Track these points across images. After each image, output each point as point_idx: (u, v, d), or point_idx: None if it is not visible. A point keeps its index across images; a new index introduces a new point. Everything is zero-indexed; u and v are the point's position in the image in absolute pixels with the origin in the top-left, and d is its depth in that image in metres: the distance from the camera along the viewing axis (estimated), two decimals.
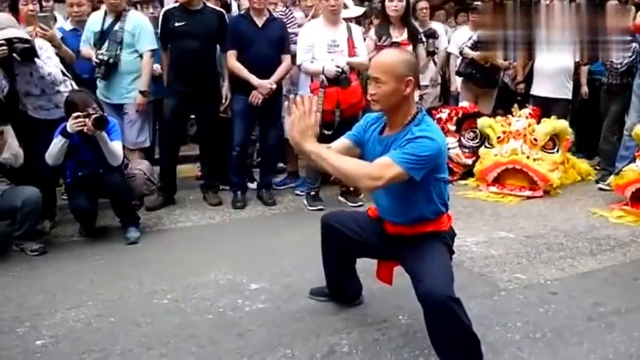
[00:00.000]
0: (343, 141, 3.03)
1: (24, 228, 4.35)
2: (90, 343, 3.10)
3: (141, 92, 5.37)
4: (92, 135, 4.36)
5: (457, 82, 7.23)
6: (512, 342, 3.05)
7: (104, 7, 5.41)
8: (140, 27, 5.35)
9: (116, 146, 4.53)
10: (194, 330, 3.22)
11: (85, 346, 3.07)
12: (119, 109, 5.45)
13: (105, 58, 5.23)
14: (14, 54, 4.41)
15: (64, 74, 4.81)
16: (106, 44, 5.28)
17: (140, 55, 5.39)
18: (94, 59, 5.28)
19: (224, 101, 5.59)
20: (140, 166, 4.97)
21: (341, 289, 3.47)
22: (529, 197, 5.78)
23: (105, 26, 5.31)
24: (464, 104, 6.83)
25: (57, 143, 4.37)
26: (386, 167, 2.59)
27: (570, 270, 4.02)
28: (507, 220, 5.12)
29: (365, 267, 3.42)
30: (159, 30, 5.57)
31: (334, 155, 2.64)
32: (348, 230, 3.13)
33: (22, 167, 4.51)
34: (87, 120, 4.29)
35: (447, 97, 7.61)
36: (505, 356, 2.92)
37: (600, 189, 5.96)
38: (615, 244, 4.51)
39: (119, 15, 5.30)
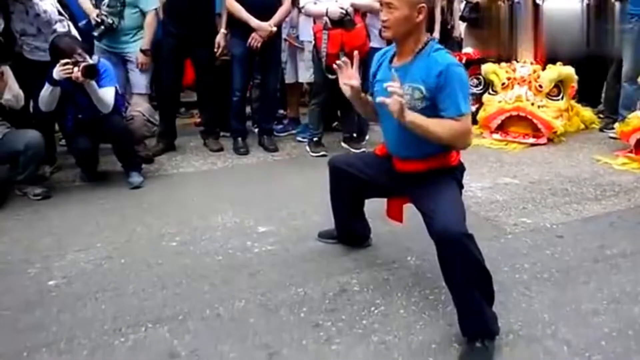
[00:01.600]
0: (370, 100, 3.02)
1: (27, 172, 4.33)
2: (103, 283, 3.12)
3: (142, 51, 5.25)
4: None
5: (460, 28, 7.13)
6: (520, 282, 3.09)
7: None
8: None
9: (107, 93, 4.42)
10: (205, 271, 3.24)
11: (99, 286, 3.09)
12: (122, 57, 5.35)
13: (110, 21, 5.06)
14: None
15: (60, 14, 4.71)
16: (107, 0, 5.09)
17: (142, 12, 5.25)
18: (93, 17, 5.09)
19: (215, 49, 5.45)
20: (139, 108, 4.93)
21: (350, 231, 3.48)
22: (532, 145, 5.75)
23: None
24: (467, 50, 6.74)
25: (46, 90, 4.29)
26: (461, 122, 2.61)
27: (576, 214, 4.02)
28: (511, 167, 5.11)
29: (375, 209, 3.41)
30: None
31: (432, 125, 2.60)
32: (356, 171, 3.11)
33: (21, 110, 4.46)
34: (75, 68, 4.18)
35: (449, 43, 7.50)
36: (514, 295, 2.95)
37: (611, 138, 5.84)
38: (619, 189, 4.50)
39: None
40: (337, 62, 2.89)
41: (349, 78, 2.86)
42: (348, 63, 2.87)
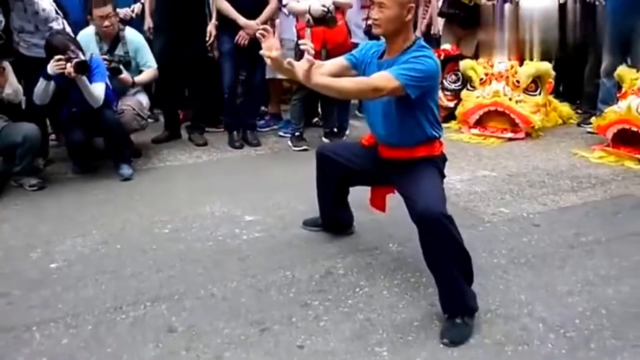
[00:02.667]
0: (339, 61, 3.08)
1: (23, 164, 4.47)
2: (102, 266, 3.28)
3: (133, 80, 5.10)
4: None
5: (438, 25, 7.06)
6: (498, 266, 3.21)
7: (92, 28, 5.11)
8: (140, 47, 5.16)
9: (97, 89, 4.54)
10: (197, 256, 3.39)
11: (98, 268, 3.25)
12: None
13: (117, 60, 4.96)
14: None
15: (56, 12, 4.81)
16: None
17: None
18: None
19: (207, 38, 5.56)
20: (129, 102, 5.03)
21: (334, 219, 3.60)
22: (510, 139, 5.82)
23: (104, 50, 5.04)
24: (446, 46, 6.75)
25: (40, 84, 4.45)
26: (386, 80, 2.68)
27: (552, 204, 4.13)
28: (489, 160, 5.20)
29: (358, 199, 3.54)
30: None
31: (338, 82, 2.74)
32: (342, 159, 3.24)
33: (17, 105, 4.59)
34: (68, 64, 4.33)
35: (428, 39, 7.58)
36: (492, 278, 3.08)
37: (589, 133, 5.87)
38: (596, 182, 4.58)
39: (116, 39, 5.08)
40: (260, 31, 2.89)
41: (268, 49, 2.82)
42: (270, 32, 2.86)
